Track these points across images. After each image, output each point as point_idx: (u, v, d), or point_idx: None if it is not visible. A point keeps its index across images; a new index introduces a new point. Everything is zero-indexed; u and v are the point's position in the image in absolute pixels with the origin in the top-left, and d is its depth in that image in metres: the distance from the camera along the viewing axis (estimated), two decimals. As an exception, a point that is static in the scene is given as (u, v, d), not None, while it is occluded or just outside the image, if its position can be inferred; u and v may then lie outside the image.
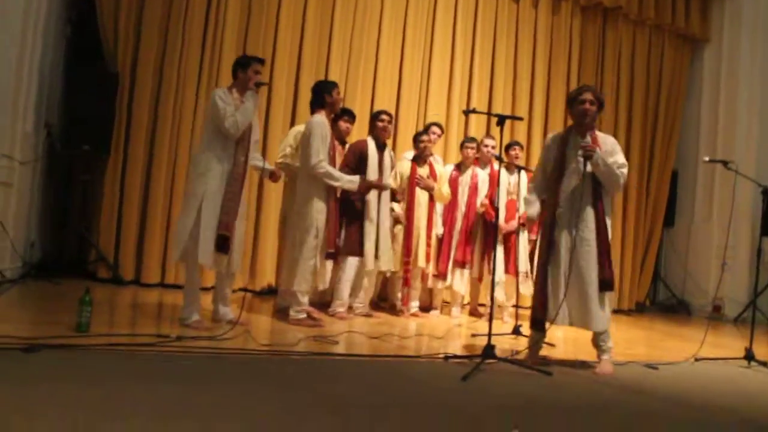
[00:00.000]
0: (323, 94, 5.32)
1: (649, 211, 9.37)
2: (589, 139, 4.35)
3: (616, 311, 8.78)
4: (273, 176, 5.35)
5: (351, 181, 5.38)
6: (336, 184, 5.28)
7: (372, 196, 5.82)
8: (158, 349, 3.81)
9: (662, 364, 4.90)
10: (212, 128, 4.67)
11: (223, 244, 4.60)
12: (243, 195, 4.81)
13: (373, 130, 5.98)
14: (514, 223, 6.42)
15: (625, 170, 4.42)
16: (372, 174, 5.77)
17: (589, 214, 4.32)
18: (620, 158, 4.42)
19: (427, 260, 6.39)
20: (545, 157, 4.56)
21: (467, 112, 5.27)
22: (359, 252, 5.78)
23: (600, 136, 4.47)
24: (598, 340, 4.52)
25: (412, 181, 6.28)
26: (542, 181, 4.58)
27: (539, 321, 4.48)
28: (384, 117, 5.99)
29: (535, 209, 4.54)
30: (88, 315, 3.98)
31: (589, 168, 4.31)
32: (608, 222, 4.40)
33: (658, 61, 9.49)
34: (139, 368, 3.39)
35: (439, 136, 6.73)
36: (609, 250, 4.35)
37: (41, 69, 6.14)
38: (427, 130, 6.59)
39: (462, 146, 6.74)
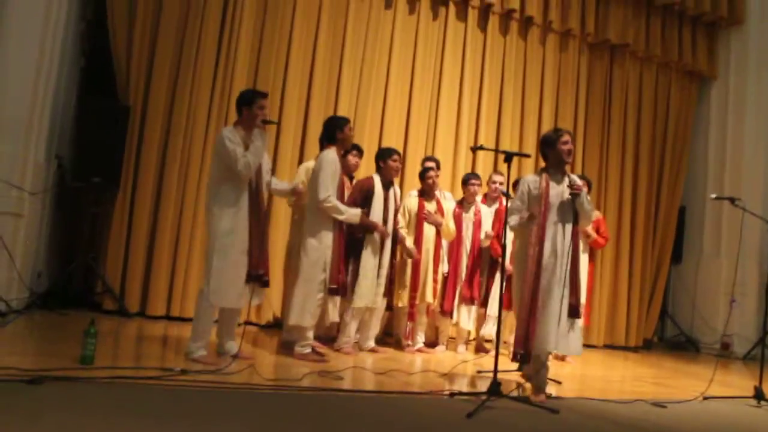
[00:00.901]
0: (335, 130, 5.32)
1: (657, 247, 9.33)
2: (575, 178, 4.75)
3: (624, 348, 8.73)
4: (296, 193, 5.37)
5: (355, 215, 5.38)
6: (341, 217, 5.26)
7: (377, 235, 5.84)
8: (162, 383, 3.80)
9: (670, 402, 4.85)
10: (222, 168, 4.67)
11: (258, 280, 4.75)
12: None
13: (383, 169, 5.98)
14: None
15: (592, 207, 4.90)
16: (377, 212, 5.77)
17: (570, 246, 4.61)
18: (588, 197, 4.82)
19: (434, 295, 6.37)
20: (525, 196, 4.77)
21: (475, 149, 5.31)
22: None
23: (572, 175, 4.82)
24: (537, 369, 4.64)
25: (420, 216, 6.29)
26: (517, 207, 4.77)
27: (523, 354, 4.53)
28: (396, 157, 6.01)
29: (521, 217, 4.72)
30: (92, 347, 3.98)
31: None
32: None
33: (665, 97, 9.53)
34: (143, 402, 3.38)
35: (436, 169, 6.68)
36: (580, 279, 4.69)
37: (55, 100, 6.20)
38: (425, 166, 6.58)
39: (467, 183, 6.71)
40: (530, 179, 4.82)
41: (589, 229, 6.68)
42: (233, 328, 4.99)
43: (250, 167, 4.63)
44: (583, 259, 6.68)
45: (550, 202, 4.65)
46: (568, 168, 4.80)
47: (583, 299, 6.53)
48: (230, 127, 4.80)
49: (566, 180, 4.70)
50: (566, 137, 4.73)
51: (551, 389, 4.93)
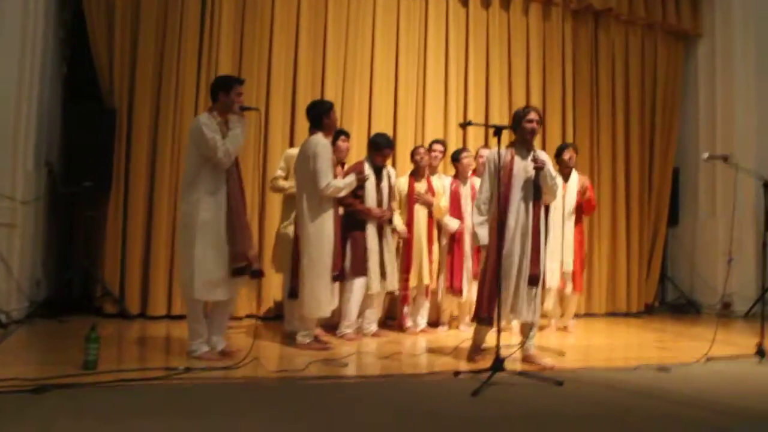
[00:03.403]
0: (321, 116, 5.25)
1: (652, 210, 9.33)
2: (539, 154, 4.88)
3: (626, 314, 8.76)
4: None
5: (351, 181, 5.36)
6: (345, 192, 5.28)
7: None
8: (168, 382, 3.82)
9: (674, 365, 4.88)
10: (198, 156, 4.56)
11: (241, 273, 4.60)
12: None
13: (374, 158, 6.00)
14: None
15: (558, 180, 5.13)
16: (371, 196, 5.88)
17: (533, 219, 4.83)
18: (553, 171, 5.06)
19: (431, 276, 6.37)
20: (491, 171, 4.94)
21: (464, 125, 5.30)
22: (365, 272, 5.79)
23: (538, 150, 4.97)
24: (529, 331, 4.94)
25: (411, 197, 6.29)
26: (489, 196, 4.93)
27: (487, 317, 4.78)
28: (388, 151, 6.08)
29: (486, 233, 4.86)
30: (95, 352, 4.00)
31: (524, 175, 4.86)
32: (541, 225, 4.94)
33: (652, 59, 9.47)
34: (150, 402, 3.40)
35: (443, 152, 6.70)
36: (540, 249, 4.85)
37: (39, 108, 6.18)
38: (429, 147, 6.62)
39: (458, 158, 6.67)
40: (495, 153, 4.92)
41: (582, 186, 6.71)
42: (223, 323, 4.85)
43: (230, 155, 4.56)
44: (568, 225, 6.67)
45: (514, 176, 4.84)
46: (535, 144, 5.01)
47: (569, 267, 6.57)
48: (206, 113, 4.67)
49: (531, 155, 4.86)
50: (532, 115, 4.90)
51: (554, 360, 4.97)
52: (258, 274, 4.79)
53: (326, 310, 5.18)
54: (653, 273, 9.30)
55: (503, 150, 4.88)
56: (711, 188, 9.29)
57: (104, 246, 6.54)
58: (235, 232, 4.58)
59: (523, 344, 4.95)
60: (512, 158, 4.88)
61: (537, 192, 4.84)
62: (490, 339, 4.90)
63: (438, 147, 6.64)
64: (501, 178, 4.81)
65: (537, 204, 4.85)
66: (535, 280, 4.79)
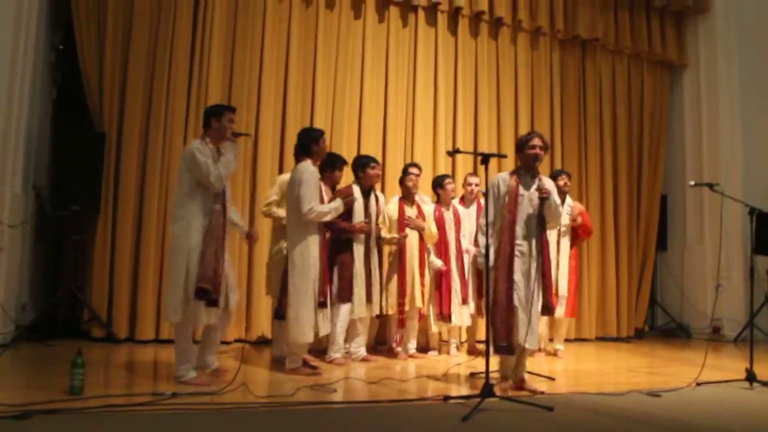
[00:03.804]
0: (310, 144, 5.29)
1: (641, 236, 9.38)
2: (544, 182, 4.80)
3: (617, 339, 8.76)
4: (249, 237, 5.21)
5: (337, 206, 5.38)
6: (329, 217, 5.28)
7: (361, 241, 5.89)
8: (155, 408, 3.76)
9: (664, 391, 4.87)
10: (190, 181, 4.60)
11: (203, 296, 4.50)
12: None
13: (362, 178, 6.03)
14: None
15: (561, 209, 5.06)
16: (358, 218, 5.89)
17: (540, 245, 4.77)
18: (558, 199, 4.95)
19: (423, 300, 6.34)
20: (496, 196, 4.85)
21: (452, 153, 5.32)
22: (350, 298, 5.77)
23: (543, 178, 4.90)
24: (524, 359, 4.85)
25: (402, 222, 6.29)
26: (492, 221, 4.78)
27: (506, 346, 4.66)
28: (374, 164, 6.08)
29: (491, 256, 4.67)
30: (81, 377, 3.95)
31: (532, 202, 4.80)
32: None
33: (639, 88, 9.60)
34: (136, 429, 3.35)
35: (418, 175, 6.69)
36: (551, 278, 4.91)
37: (28, 131, 6.18)
38: (406, 170, 6.60)
39: (442, 184, 6.70)
40: (502, 176, 4.91)
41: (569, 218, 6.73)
42: (213, 344, 4.93)
43: (222, 180, 4.60)
44: (563, 250, 6.69)
45: (519, 204, 4.77)
46: (539, 169, 4.90)
47: (564, 291, 6.58)
48: (198, 140, 4.72)
49: (536, 183, 4.78)
50: (534, 141, 4.81)
51: (544, 386, 4.95)
52: (212, 303, 4.59)
53: (310, 336, 5.12)
54: (643, 298, 9.33)
55: (506, 175, 4.87)
56: (698, 215, 9.38)
57: (92, 269, 6.50)
58: (206, 254, 4.53)
59: (515, 370, 4.88)
60: (517, 185, 4.80)
61: (542, 220, 4.80)
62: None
63: (414, 170, 6.63)
64: (506, 205, 4.76)
65: (543, 233, 4.81)
66: (549, 309, 4.80)
